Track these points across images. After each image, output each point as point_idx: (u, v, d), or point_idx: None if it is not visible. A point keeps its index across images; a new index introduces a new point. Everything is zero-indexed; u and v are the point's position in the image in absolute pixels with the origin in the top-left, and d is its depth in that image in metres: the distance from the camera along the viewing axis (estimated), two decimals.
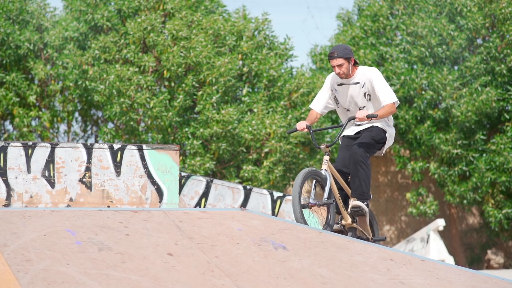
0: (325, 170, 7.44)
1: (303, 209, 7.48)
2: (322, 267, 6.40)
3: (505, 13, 17.52)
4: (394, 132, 7.77)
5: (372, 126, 7.63)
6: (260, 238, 6.72)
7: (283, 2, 43.87)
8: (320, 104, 7.69)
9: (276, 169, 15.33)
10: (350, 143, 7.62)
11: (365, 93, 7.58)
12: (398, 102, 7.53)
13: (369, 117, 7.30)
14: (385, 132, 7.62)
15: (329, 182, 7.42)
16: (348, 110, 7.65)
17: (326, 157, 7.47)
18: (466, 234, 20.36)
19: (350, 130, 7.72)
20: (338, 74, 7.51)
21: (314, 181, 7.48)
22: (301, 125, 7.62)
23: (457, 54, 17.78)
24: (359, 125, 7.66)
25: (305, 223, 7.33)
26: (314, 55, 18.82)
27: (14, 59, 16.38)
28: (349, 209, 7.62)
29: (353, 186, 7.55)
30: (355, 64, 7.60)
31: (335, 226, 7.76)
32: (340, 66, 7.50)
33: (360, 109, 7.55)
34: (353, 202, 7.54)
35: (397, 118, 17.97)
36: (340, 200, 7.63)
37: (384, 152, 7.79)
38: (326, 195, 7.41)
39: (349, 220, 7.66)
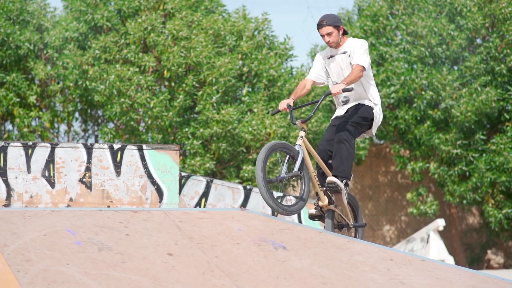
0: (299, 145, 7.36)
1: (274, 184, 7.39)
2: (322, 267, 6.41)
3: (505, 13, 17.52)
4: (381, 112, 7.65)
5: (358, 104, 7.52)
6: (260, 238, 6.72)
7: (283, 2, 43.86)
8: (312, 73, 7.58)
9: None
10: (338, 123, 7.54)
11: (350, 63, 7.46)
12: (365, 68, 7.39)
13: (345, 90, 7.16)
14: (372, 108, 7.50)
15: (301, 156, 7.31)
16: (337, 83, 7.48)
17: (302, 133, 7.40)
18: (466, 234, 20.36)
19: (341, 110, 7.60)
20: (328, 43, 7.41)
21: (287, 156, 7.36)
22: (283, 104, 7.48)
23: (457, 54, 17.78)
24: (345, 102, 7.56)
25: (272, 199, 7.14)
26: (314, 55, 18.81)
27: (14, 59, 16.38)
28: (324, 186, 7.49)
29: (334, 164, 7.41)
30: (345, 34, 7.48)
31: (312, 211, 7.61)
32: (329, 34, 7.39)
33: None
34: (328, 178, 7.39)
35: (397, 118, 17.96)
36: (316, 179, 7.49)
37: (375, 133, 7.64)
38: (296, 168, 7.27)
39: (326, 201, 7.51)
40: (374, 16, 18.34)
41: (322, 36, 7.42)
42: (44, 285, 5.43)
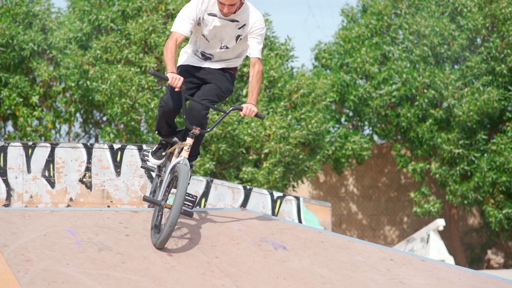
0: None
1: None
2: (322, 267, 6.41)
3: (505, 13, 17.52)
4: None
5: (228, 70, 6.72)
6: (260, 238, 6.72)
7: (284, 1, 43.87)
8: (187, 28, 6.50)
9: (276, 170, 15.33)
10: (194, 81, 6.61)
11: (238, 36, 6.60)
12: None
13: (258, 116, 6.43)
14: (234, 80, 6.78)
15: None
16: (207, 40, 6.61)
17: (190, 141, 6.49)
18: (466, 234, 20.36)
19: (199, 61, 6.72)
20: (224, 13, 6.40)
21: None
22: (177, 82, 6.32)
23: (458, 54, 17.78)
24: (208, 58, 6.68)
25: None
26: (318, 52, 18.79)
27: (18, 61, 16.40)
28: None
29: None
30: None
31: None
32: (232, 6, 6.39)
33: (221, 48, 6.61)
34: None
35: (399, 116, 17.96)
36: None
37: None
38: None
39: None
40: (379, 14, 18.33)
41: (221, 3, 6.37)
42: (44, 285, 5.43)
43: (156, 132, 6.84)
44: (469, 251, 20.01)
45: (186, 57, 6.80)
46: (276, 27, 42.41)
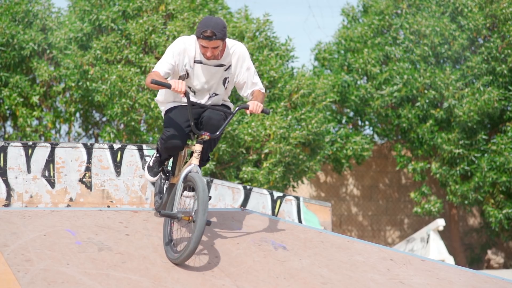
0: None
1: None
2: (322, 267, 6.41)
3: (506, 13, 17.52)
4: None
5: (227, 106, 6.75)
6: (260, 238, 6.73)
7: (284, 1, 43.85)
8: (167, 70, 6.35)
9: (276, 170, 15.33)
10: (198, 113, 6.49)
11: (225, 78, 6.55)
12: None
13: (264, 111, 6.42)
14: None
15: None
16: (194, 92, 6.55)
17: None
18: (466, 234, 20.36)
19: (203, 99, 6.57)
20: (207, 56, 6.31)
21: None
22: (182, 86, 6.20)
23: (458, 54, 17.78)
24: (212, 95, 6.59)
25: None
26: (318, 53, 18.78)
27: (18, 60, 16.40)
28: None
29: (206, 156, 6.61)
30: None
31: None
32: (215, 48, 6.28)
33: (211, 96, 6.56)
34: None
35: (400, 117, 17.96)
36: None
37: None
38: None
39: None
40: (380, 14, 18.32)
41: (204, 47, 6.27)
42: (44, 285, 5.43)
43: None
44: (469, 251, 20.01)
45: (175, 100, 6.64)
46: (276, 27, 42.37)
